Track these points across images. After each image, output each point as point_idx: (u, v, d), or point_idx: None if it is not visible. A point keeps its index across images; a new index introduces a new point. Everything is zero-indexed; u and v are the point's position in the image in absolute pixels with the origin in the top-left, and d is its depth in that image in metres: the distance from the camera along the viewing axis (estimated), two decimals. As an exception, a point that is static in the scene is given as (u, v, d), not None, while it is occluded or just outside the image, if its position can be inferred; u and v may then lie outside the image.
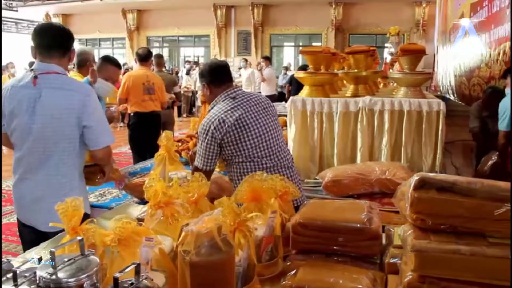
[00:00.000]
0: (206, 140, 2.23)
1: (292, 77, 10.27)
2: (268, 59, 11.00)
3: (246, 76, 11.36)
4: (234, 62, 15.30)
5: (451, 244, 1.16)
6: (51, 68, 2.02)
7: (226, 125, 2.20)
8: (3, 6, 16.11)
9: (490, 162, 3.61)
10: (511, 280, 1.09)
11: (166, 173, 2.51)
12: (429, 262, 1.16)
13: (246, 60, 12.34)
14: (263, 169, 2.21)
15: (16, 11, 17.30)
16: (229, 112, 2.23)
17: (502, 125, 3.75)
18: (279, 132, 2.39)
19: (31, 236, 2.13)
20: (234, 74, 11.98)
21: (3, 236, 4.01)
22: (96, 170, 2.30)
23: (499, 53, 4.10)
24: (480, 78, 4.85)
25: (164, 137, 2.60)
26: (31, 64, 9.92)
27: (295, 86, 9.51)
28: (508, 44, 3.81)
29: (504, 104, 3.74)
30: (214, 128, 2.20)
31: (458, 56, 5.60)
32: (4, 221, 4.45)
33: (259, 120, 2.28)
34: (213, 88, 2.36)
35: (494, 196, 1.16)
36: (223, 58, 14.07)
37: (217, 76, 2.36)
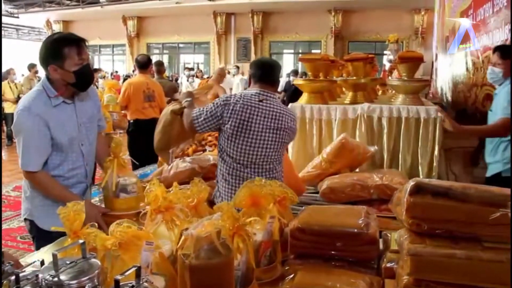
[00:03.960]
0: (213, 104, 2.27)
1: (287, 83, 10.33)
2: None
3: (236, 82, 11.49)
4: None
5: (447, 248, 1.18)
6: None
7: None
8: (5, 12, 16.20)
9: None
10: (511, 282, 1.10)
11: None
12: (424, 266, 1.17)
13: (237, 67, 12.55)
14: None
15: (17, 17, 17.41)
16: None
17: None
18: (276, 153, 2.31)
19: None
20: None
21: (3, 242, 4.01)
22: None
23: (483, 62, 4.12)
24: (463, 85, 4.93)
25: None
26: (29, 66, 9.99)
27: (289, 92, 9.57)
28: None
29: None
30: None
31: (453, 63, 5.66)
32: (4, 226, 4.45)
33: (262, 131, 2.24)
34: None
35: (488, 201, 1.18)
36: (222, 65, 14.12)
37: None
